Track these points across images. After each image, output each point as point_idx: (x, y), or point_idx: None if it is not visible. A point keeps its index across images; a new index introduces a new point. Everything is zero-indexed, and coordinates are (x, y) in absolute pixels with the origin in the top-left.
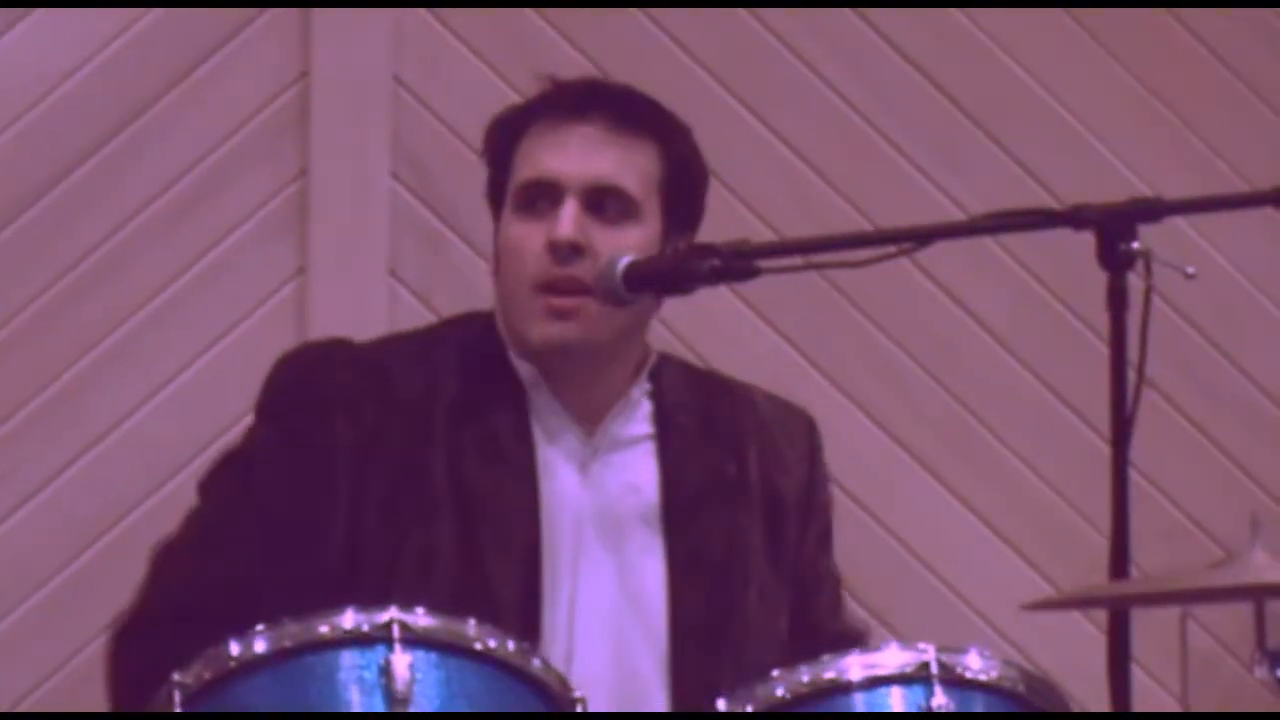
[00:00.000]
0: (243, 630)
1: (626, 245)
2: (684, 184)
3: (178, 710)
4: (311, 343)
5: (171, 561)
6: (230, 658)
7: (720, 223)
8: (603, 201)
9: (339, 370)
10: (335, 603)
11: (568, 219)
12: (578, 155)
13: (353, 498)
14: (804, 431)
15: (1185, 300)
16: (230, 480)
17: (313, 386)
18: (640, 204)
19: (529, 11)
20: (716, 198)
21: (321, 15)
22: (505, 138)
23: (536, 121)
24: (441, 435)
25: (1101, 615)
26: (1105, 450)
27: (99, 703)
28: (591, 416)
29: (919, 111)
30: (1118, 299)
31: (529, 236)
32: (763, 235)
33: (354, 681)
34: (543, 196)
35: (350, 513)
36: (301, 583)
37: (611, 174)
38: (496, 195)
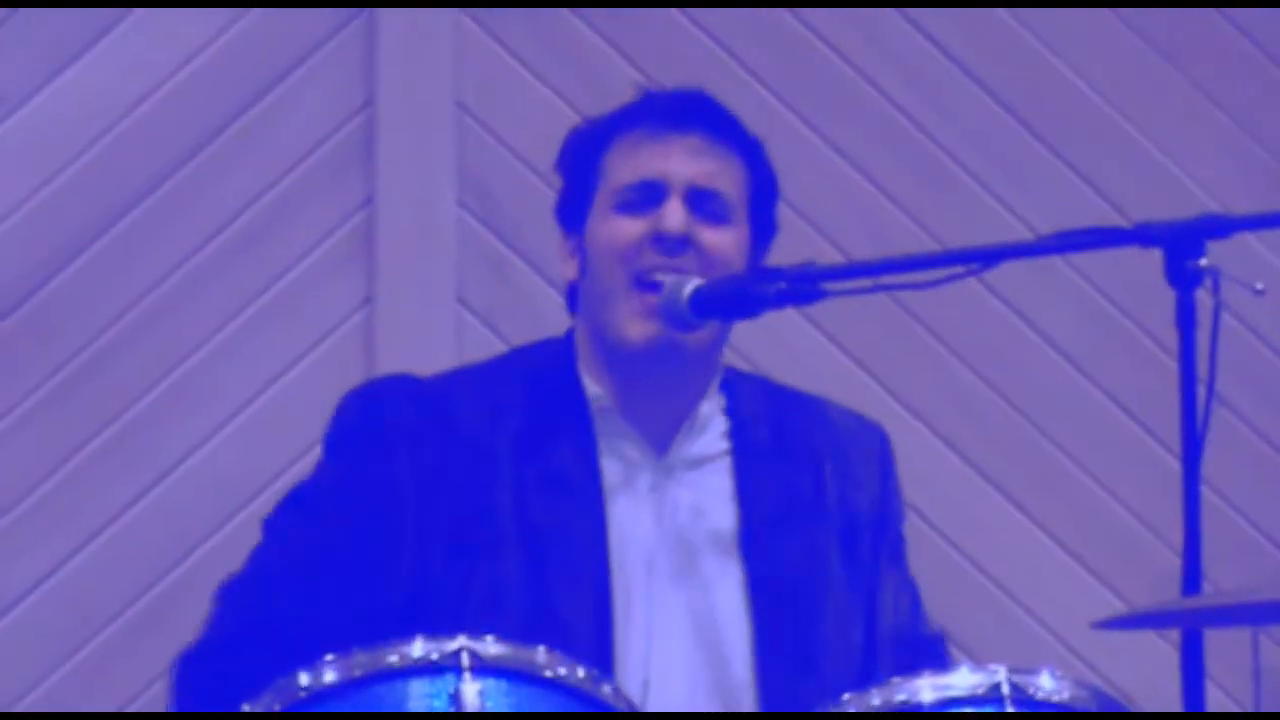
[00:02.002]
0: (311, 656)
1: (726, 243)
2: (766, 196)
3: None
4: (376, 379)
5: (234, 595)
6: (300, 688)
7: (785, 245)
8: (705, 202)
9: (403, 406)
10: (389, 631)
11: (676, 212)
12: (681, 158)
13: (418, 534)
14: (877, 445)
15: (1255, 316)
16: (295, 515)
17: (377, 423)
18: (735, 208)
19: (587, 30)
20: (782, 219)
21: (386, 42)
22: (590, 149)
23: (630, 131)
24: (507, 468)
25: (1174, 633)
26: (1176, 467)
27: None
28: (662, 436)
29: (983, 129)
30: (1186, 316)
31: (634, 230)
32: (829, 257)
33: (424, 710)
34: (645, 196)
35: (416, 549)
36: (365, 618)
37: (714, 177)
38: (576, 205)
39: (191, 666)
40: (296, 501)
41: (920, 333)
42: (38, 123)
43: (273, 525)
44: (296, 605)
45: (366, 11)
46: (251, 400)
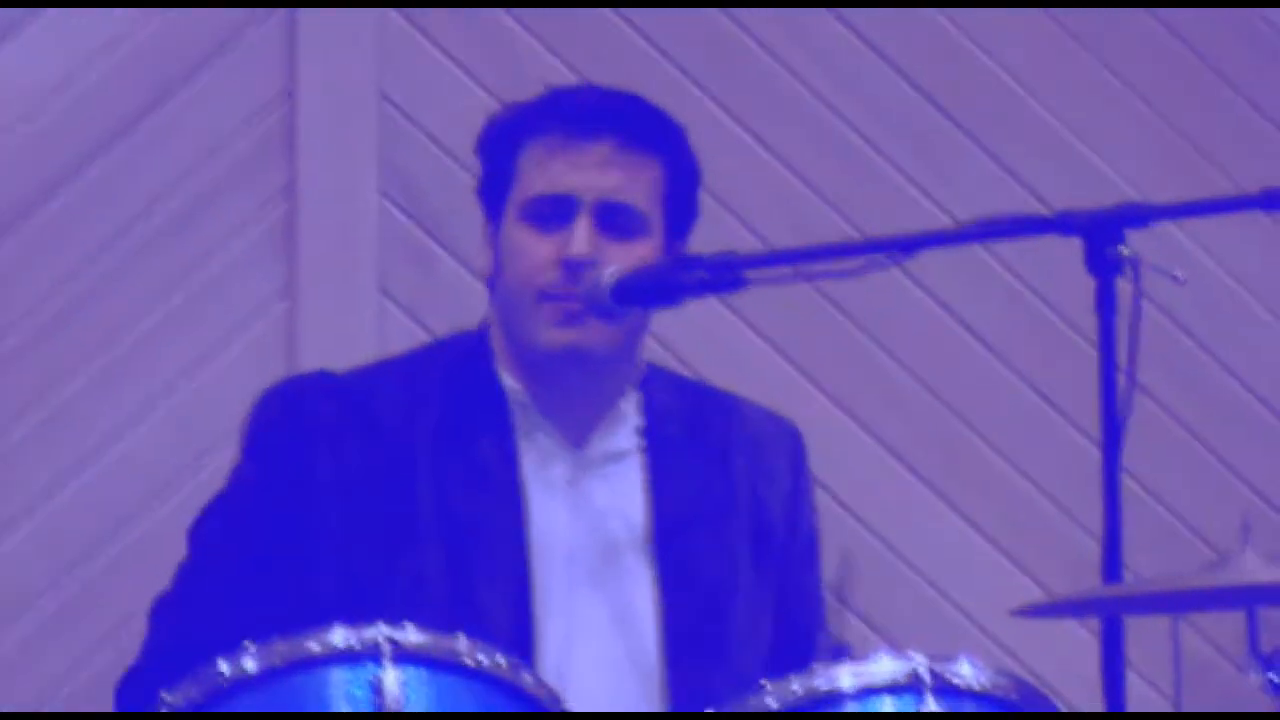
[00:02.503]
0: (229, 647)
1: (635, 259)
2: (684, 191)
3: None
4: (292, 377)
5: (165, 613)
6: (219, 675)
7: (706, 234)
8: (614, 218)
9: (320, 404)
10: (308, 622)
11: (582, 237)
12: (592, 172)
13: (339, 533)
14: (790, 443)
15: (1174, 304)
16: (216, 524)
17: (294, 423)
18: (648, 218)
19: (512, 23)
20: (702, 208)
21: (306, 31)
22: (507, 141)
23: (545, 132)
24: (426, 462)
25: (1094, 621)
26: (1096, 455)
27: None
28: (580, 431)
29: (904, 118)
30: (1106, 304)
31: (540, 248)
32: (750, 246)
33: (344, 699)
34: (555, 210)
35: (338, 549)
36: (294, 618)
37: (623, 192)
38: (494, 196)
39: (132, 689)
40: (217, 509)
41: (841, 321)
42: None
43: (196, 536)
44: (227, 614)
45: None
46: (173, 389)
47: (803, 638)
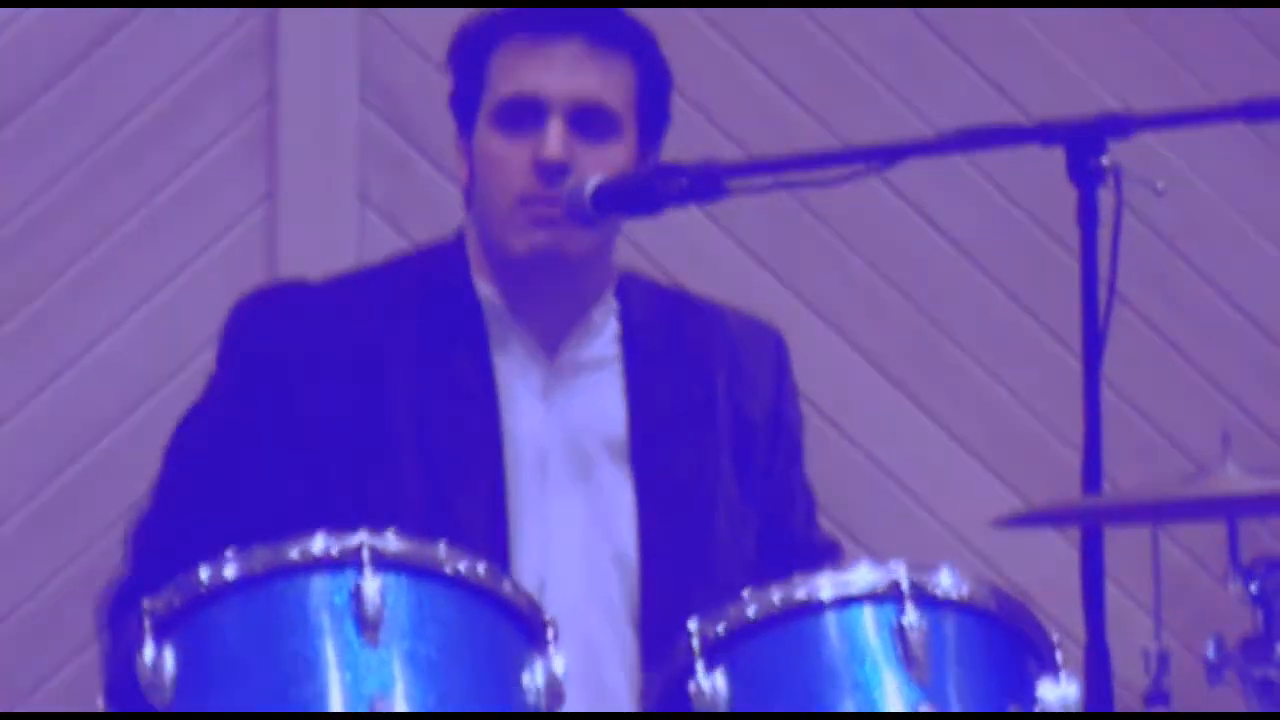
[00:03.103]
0: (210, 553)
1: (610, 162)
2: (656, 94)
3: (149, 635)
4: (268, 286)
5: (146, 532)
6: (199, 583)
7: (687, 142)
8: (587, 119)
9: (294, 316)
10: (288, 529)
11: (555, 139)
12: (562, 73)
13: (317, 442)
14: (772, 349)
15: (1156, 215)
16: (193, 435)
17: (268, 334)
18: (621, 119)
19: None
20: (683, 117)
21: None
22: (477, 48)
23: (514, 35)
24: (401, 371)
25: (1074, 532)
26: (1077, 366)
27: (75, 626)
28: (554, 340)
29: (885, 27)
30: (1088, 215)
31: (513, 153)
32: (730, 154)
33: (324, 606)
34: (526, 113)
35: (315, 457)
36: (274, 527)
37: (596, 92)
38: (466, 105)
39: (115, 608)
40: (194, 420)
41: (822, 230)
42: None
43: (173, 449)
44: (208, 525)
45: None
46: (153, 294)
47: (791, 535)
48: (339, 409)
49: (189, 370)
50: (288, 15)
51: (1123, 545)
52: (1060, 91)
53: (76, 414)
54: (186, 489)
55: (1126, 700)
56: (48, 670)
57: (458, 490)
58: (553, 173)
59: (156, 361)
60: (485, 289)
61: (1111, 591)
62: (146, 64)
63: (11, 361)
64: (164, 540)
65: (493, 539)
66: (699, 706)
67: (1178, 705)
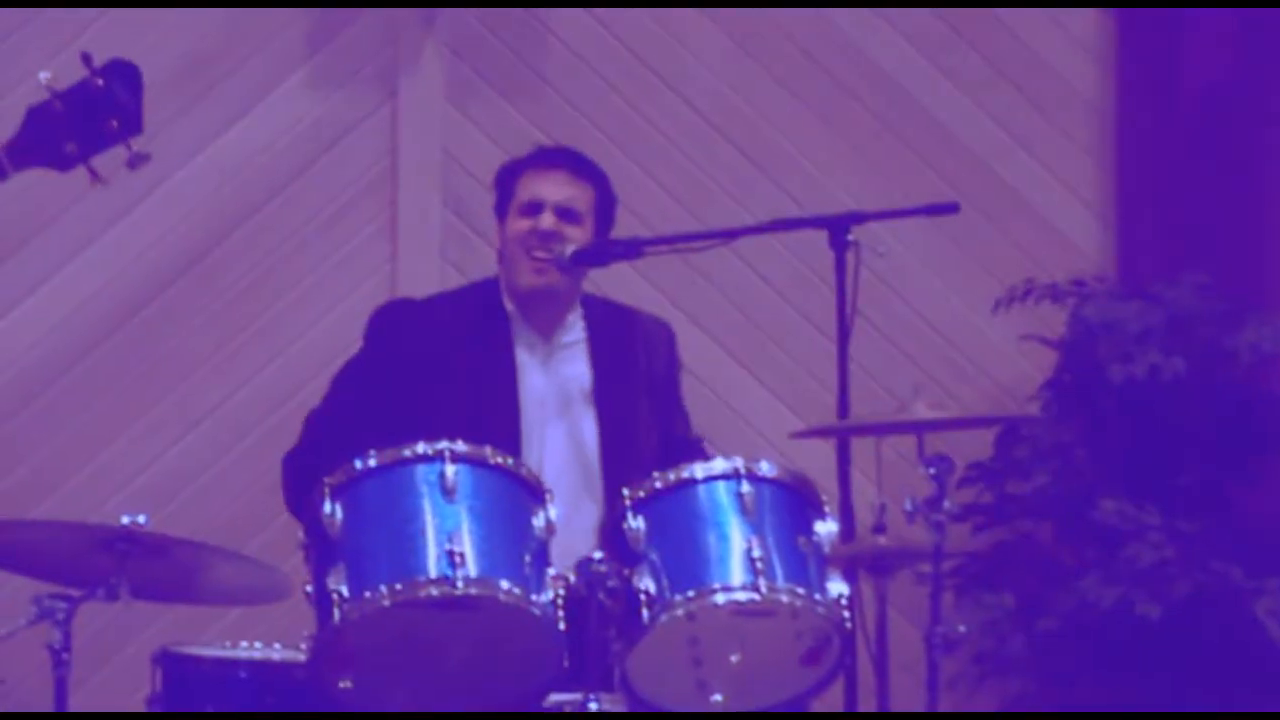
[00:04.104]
0: (360, 453)
1: (576, 238)
2: (605, 209)
3: (328, 497)
4: (390, 301)
5: (313, 422)
6: (355, 468)
7: (622, 228)
8: (565, 213)
9: (402, 317)
10: (402, 439)
11: (548, 218)
12: (556, 188)
13: (413, 390)
14: (666, 335)
15: (876, 266)
16: (345, 374)
17: (386, 326)
18: (584, 218)
19: (521, 118)
20: (620, 216)
21: (406, 113)
22: (508, 177)
23: (530, 168)
24: (460, 349)
25: (832, 440)
26: (833, 349)
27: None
28: (548, 332)
29: (728, 165)
30: (841, 267)
31: (525, 226)
32: (645, 232)
33: (424, 481)
34: (534, 208)
35: (413, 398)
36: (384, 434)
37: (572, 199)
38: (502, 206)
39: (290, 462)
40: (346, 369)
41: (692, 271)
42: None
43: (335, 381)
44: (347, 426)
45: None
46: (330, 310)
47: (679, 440)
48: (426, 370)
49: (347, 351)
50: (405, 160)
51: (860, 448)
52: (824, 198)
53: (281, 379)
54: (338, 404)
55: (862, 532)
56: (262, 524)
57: (494, 418)
58: (546, 236)
59: (334, 343)
60: (509, 306)
61: (855, 474)
62: (320, 195)
63: (241, 361)
64: (322, 431)
65: (513, 445)
66: (629, 539)
67: (890, 534)
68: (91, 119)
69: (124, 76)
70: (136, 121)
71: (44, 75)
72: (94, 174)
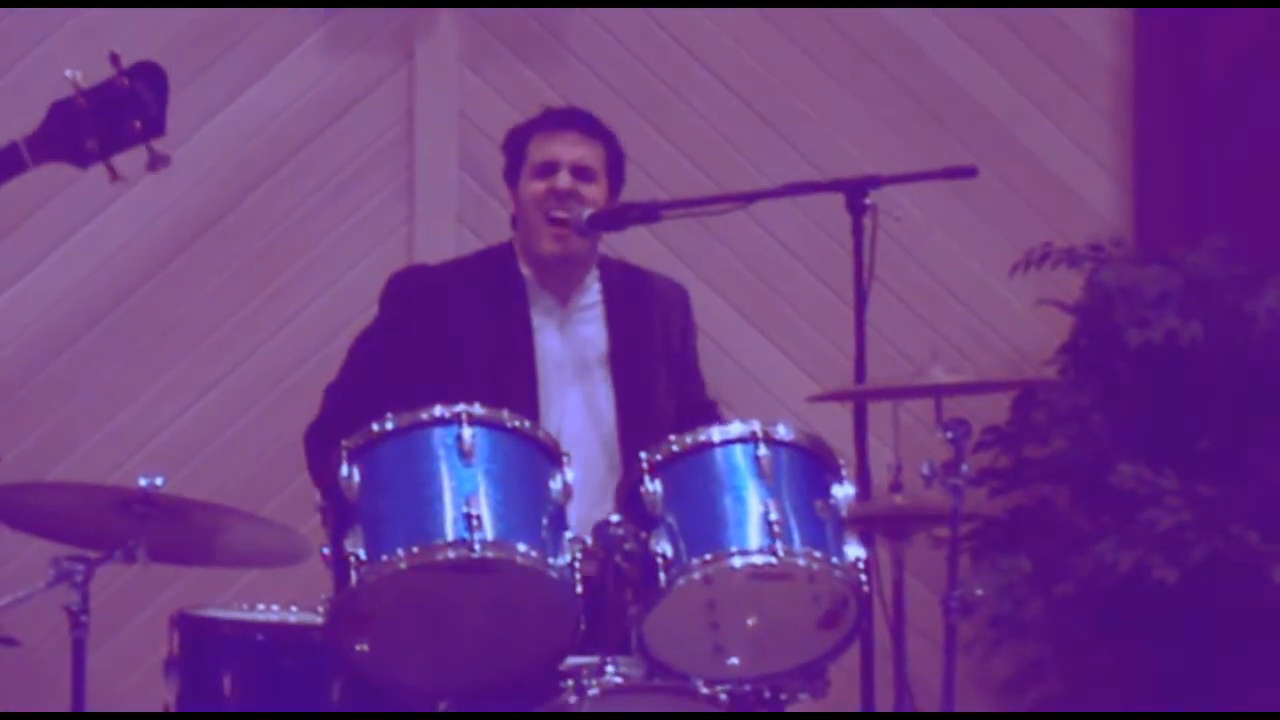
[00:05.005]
0: (377, 417)
1: (591, 196)
2: (616, 165)
3: (345, 460)
4: (405, 267)
5: (333, 392)
6: (372, 431)
7: (638, 189)
8: (580, 172)
9: (417, 284)
10: (420, 404)
11: (565, 178)
12: (569, 148)
13: (430, 353)
14: (681, 296)
15: (894, 230)
16: (361, 343)
17: (402, 293)
18: (598, 175)
19: (534, 77)
20: (635, 177)
21: (423, 81)
22: (519, 140)
23: (539, 131)
24: (477, 315)
25: (850, 405)
26: (849, 312)
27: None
28: (565, 297)
29: (749, 129)
30: (858, 230)
31: (541, 188)
32: (660, 195)
33: (441, 444)
34: (549, 169)
35: (429, 362)
36: (397, 394)
37: (585, 157)
38: (513, 174)
39: (312, 434)
40: (363, 338)
41: (707, 235)
42: None
43: (352, 350)
44: (366, 395)
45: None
46: (344, 274)
47: (694, 403)
48: (443, 336)
49: (362, 317)
50: (422, 126)
51: (877, 412)
52: (842, 161)
53: (302, 338)
54: (356, 373)
55: (879, 495)
56: (279, 486)
57: (512, 382)
58: (562, 196)
59: (346, 314)
60: (525, 270)
61: (872, 439)
62: (333, 158)
63: (261, 322)
64: (342, 399)
65: (530, 409)
66: (646, 502)
67: (907, 497)
68: (115, 118)
69: (150, 78)
70: (160, 123)
71: (70, 72)
72: (113, 172)
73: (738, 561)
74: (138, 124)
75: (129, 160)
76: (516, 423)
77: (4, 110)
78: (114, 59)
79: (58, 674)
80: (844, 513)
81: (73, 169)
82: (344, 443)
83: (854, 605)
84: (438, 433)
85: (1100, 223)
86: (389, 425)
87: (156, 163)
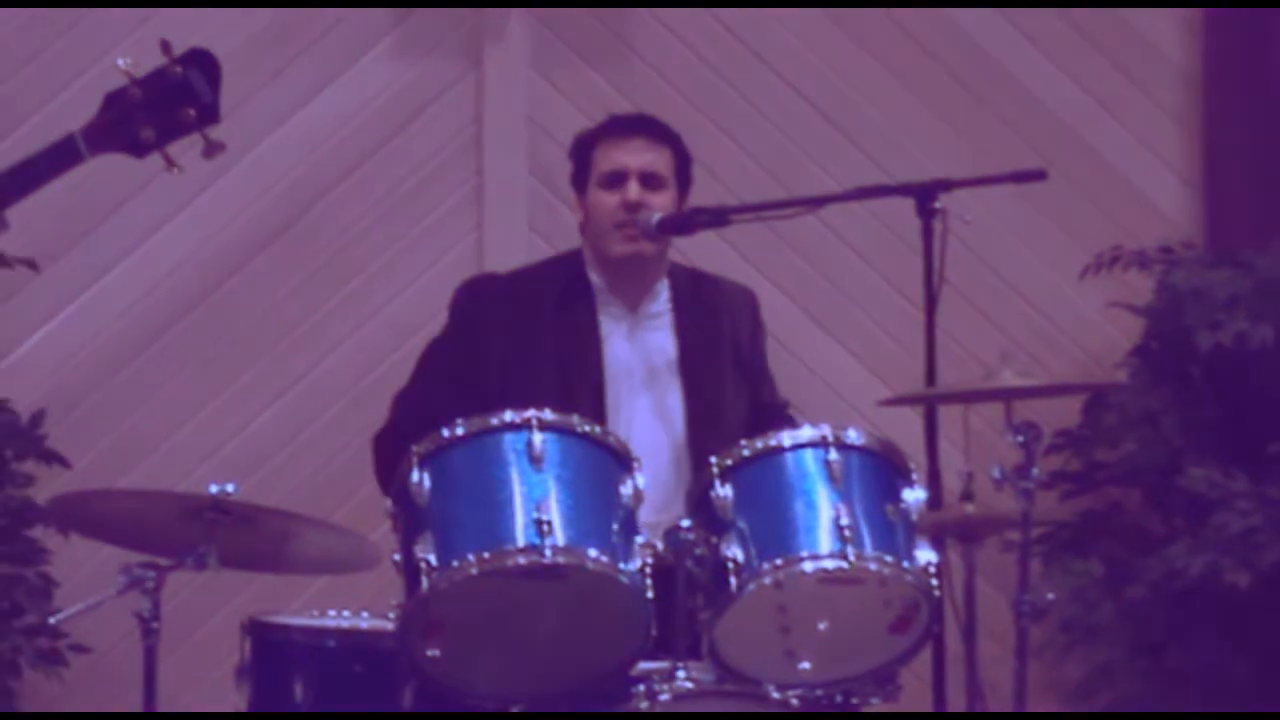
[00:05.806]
0: (447, 423)
1: (661, 204)
2: (683, 169)
3: (416, 466)
4: (475, 276)
5: (402, 400)
6: (443, 436)
7: (706, 195)
8: (648, 179)
9: (488, 292)
10: (490, 410)
11: (634, 189)
12: (636, 155)
13: (501, 361)
14: (749, 301)
15: (962, 233)
16: (431, 351)
17: (471, 301)
18: (667, 181)
19: (603, 83)
20: (702, 183)
21: (491, 87)
22: (585, 147)
23: (606, 138)
24: (548, 322)
25: (921, 408)
26: (920, 316)
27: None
28: (634, 303)
29: (819, 136)
30: (928, 234)
31: (610, 201)
32: (730, 200)
33: (511, 450)
34: (617, 178)
35: (500, 370)
36: (471, 402)
37: (653, 164)
38: (581, 178)
39: (381, 441)
40: (434, 345)
41: (778, 240)
42: None
43: (422, 359)
44: (435, 403)
45: None
46: (416, 280)
47: (766, 406)
48: (512, 343)
49: (436, 323)
50: (490, 132)
51: (948, 416)
52: (910, 165)
53: (367, 348)
54: (426, 381)
55: (950, 500)
56: (349, 493)
57: (580, 390)
58: (632, 207)
59: (418, 318)
60: (594, 277)
61: (942, 442)
62: (398, 170)
63: (337, 322)
64: (411, 407)
65: (598, 415)
66: (717, 507)
67: (978, 501)
68: (168, 107)
69: (202, 65)
70: (213, 110)
71: (122, 61)
72: (169, 161)
73: (809, 566)
74: (192, 112)
75: (183, 154)
76: (587, 428)
77: (86, 111)
78: (165, 46)
79: (129, 681)
80: (915, 517)
81: (140, 176)
82: (414, 448)
83: (925, 609)
84: (508, 438)
85: (1169, 225)
86: (459, 431)
87: (211, 150)
